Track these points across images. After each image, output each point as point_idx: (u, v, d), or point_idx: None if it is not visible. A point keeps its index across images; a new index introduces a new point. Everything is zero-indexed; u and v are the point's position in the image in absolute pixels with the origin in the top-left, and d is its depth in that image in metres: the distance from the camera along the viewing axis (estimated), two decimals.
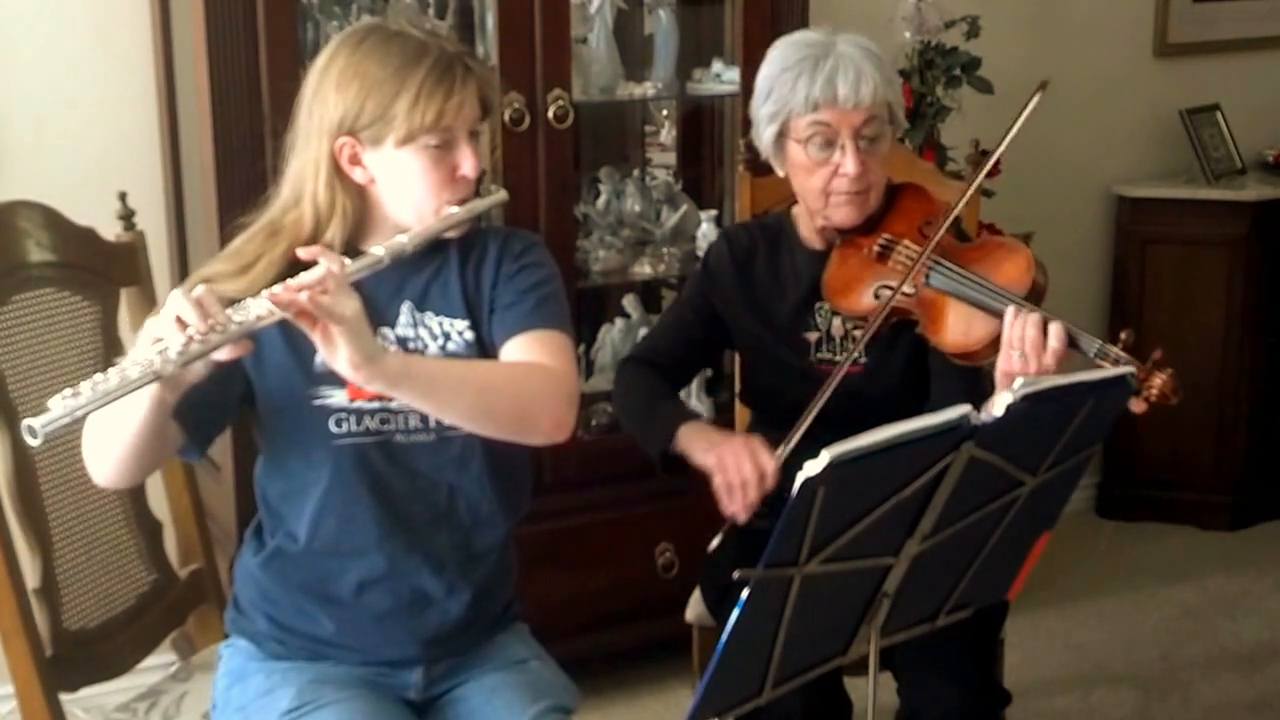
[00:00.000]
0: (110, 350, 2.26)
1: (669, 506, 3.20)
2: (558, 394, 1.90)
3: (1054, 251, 3.94)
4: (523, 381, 1.91)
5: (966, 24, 3.68)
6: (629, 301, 3.46)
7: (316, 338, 1.73)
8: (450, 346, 1.97)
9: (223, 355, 1.72)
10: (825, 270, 2.35)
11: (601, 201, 3.45)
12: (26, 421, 1.61)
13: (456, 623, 2.02)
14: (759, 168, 2.52)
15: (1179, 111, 4.25)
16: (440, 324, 1.98)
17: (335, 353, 1.72)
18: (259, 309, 1.73)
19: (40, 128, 3.05)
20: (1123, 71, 4.24)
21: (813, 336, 2.37)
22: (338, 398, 1.94)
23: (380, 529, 1.97)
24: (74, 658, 2.16)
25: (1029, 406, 1.64)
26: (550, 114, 3.03)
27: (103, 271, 2.31)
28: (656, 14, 3.34)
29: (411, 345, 1.97)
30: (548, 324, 1.96)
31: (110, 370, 1.66)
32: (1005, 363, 2.11)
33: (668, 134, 3.62)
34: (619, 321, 3.46)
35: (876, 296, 2.28)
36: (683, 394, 3.37)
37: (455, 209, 1.93)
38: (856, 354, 2.28)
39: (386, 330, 1.96)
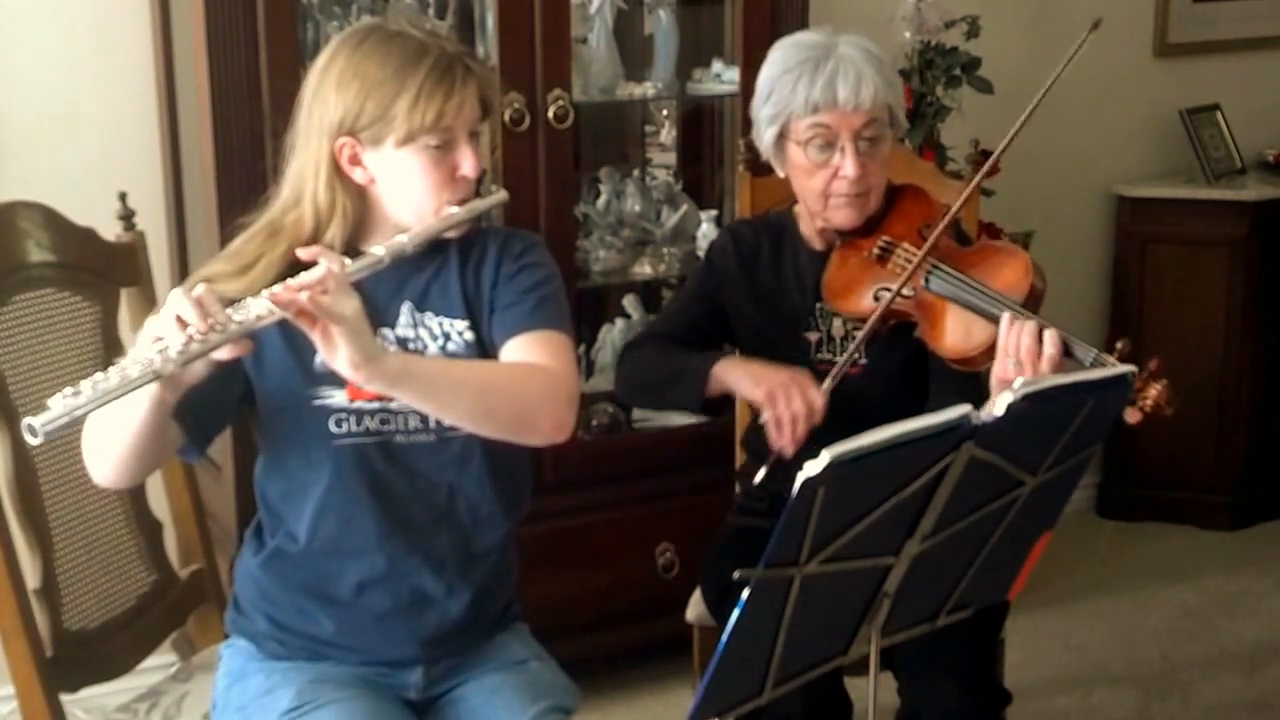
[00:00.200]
0: (110, 350, 2.26)
1: (669, 506, 3.20)
2: (557, 395, 1.90)
3: (1054, 251, 3.96)
4: (522, 382, 1.91)
5: (966, 24, 3.68)
6: (629, 302, 3.46)
7: (316, 338, 1.73)
8: (450, 347, 1.97)
9: (223, 355, 1.72)
10: (825, 272, 2.35)
11: (602, 201, 3.45)
12: (27, 420, 1.61)
13: (456, 623, 2.02)
14: (759, 168, 2.52)
15: (1179, 111, 4.25)
16: (440, 324, 1.98)
17: (335, 353, 1.72)
18: (259, 309, 1.73)
19: (40, 128, 3.04)
20: (1123, 71, 4.24)
21: (813, 336, 2.37)
22: (338, 398, 1.94)
23: (380, 529, 1.97)
24: (74, 658, 2.16)
25: (1029, 406, 1.64)
26: (550, 114, 3.03)
27: (103, 272, 2.31)
28: (656, 14, 3.34)
29: (411, 345, 1.96)
30: (548, 324, 1.96)
31: (110, 369, 1.66)
32: (1001, 369, 2.11)
33: (668, 134, 3.62)
34: (619, 321, 3.46)
35: (876, 299, 2.28)
36: None
37: (455, 209, 1.93)
38: (856, 355, 2.28)
39: (386, 330, 1.96)
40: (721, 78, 3.37)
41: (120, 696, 2.30)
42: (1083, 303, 4.29)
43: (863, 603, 1.77)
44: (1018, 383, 1.65)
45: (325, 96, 1.91)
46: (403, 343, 1.96)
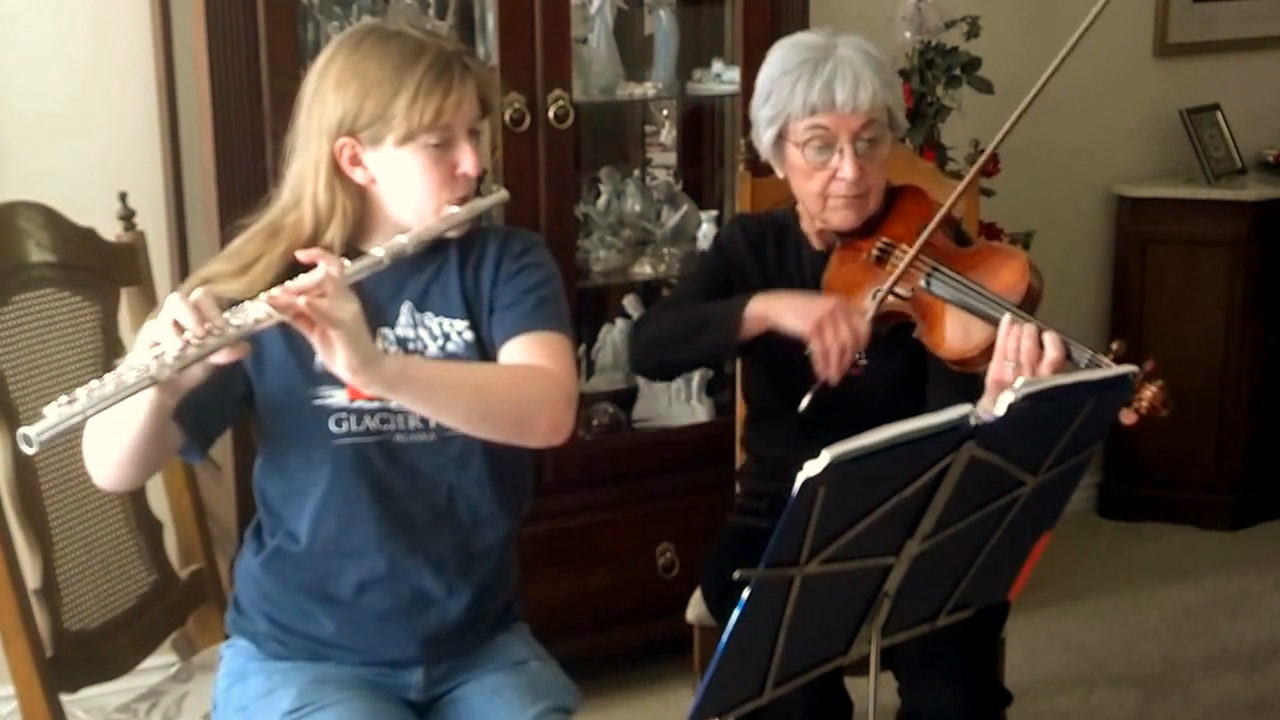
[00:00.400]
0: (110, 350, 2.26)
1: (670, 506, 3.20)
2: (555, 396, 1.90)
3: (1054, 251, 3.96)
4: (521, 384, 1.91)
5: (966, 24, 3.68)
6: (629, 302, 3.46)
7: (315, 341, 1.73)
8: (450, 347, 1.97)
9: (220, 359, 1.72)
10: (825, 273, 2.34)
11: (602, 202, 3.45)
12: (22, 431, 1.60)
13: (456, 623, 2.01)
14: (759, 168, 2.52)
15: (1179, 111, 4.24)
16: (440, 324, 1.98)
17: (333, 356, 1.72)
18: (257, 312, 1.73)
19: (40, 128, 3.04)
20: (1123, 71, 4.24)
21: None
22: (337, 397, 1.93)
23: (380, 529, 1.96)
24: (74, 658, 2.16)
25: (1030, 406, 1.64)
26: (551, 114, 3.02)
27: (103, 272, 2.31)
28: (656, 14, 3.34)
29: (411, 346, 1.96)
30: (547, 325, 1.96)
31: (107, 376, 1.65)
32: (997, 371, 2.10)
33: (668, 134, 3.62)
34: (619, 322, 3.46)
35: (874, 300, 2.28)
36: (683, 393, 3.39)
37: (456, 208, 1.93)
38: (857, 355, 2.27)
39: (386, 331, 1.96)
40: (722, 78, 3.37)
41: (120, 697, 2.29)
42: (1083, 303, 4.29)
43: (863, 603, 1.77)
44: (1018, 383, 1.65)
45: (324, 97, 1.91)
46: (402, 343, 1.96)
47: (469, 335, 1.97)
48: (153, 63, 3.11)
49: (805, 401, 2.24)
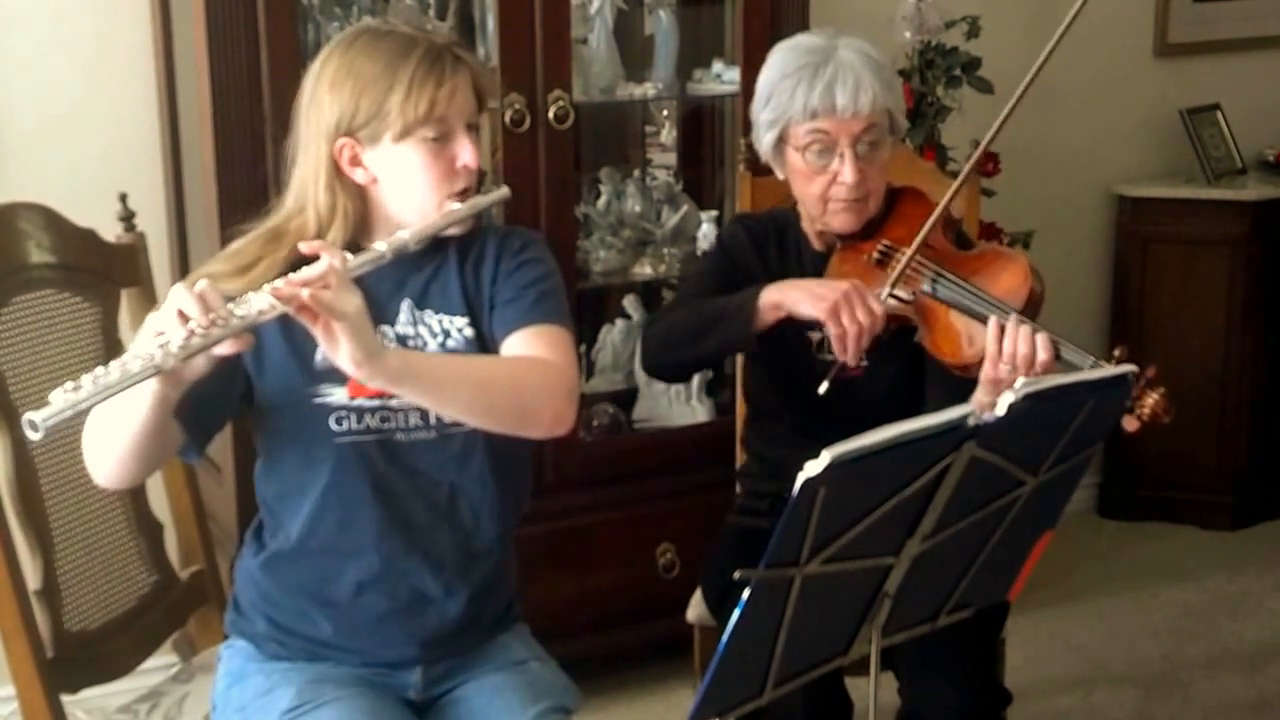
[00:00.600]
0: (111, 351, 2.25)
1: (670, 506, 3.20)
2: (557, 388, 1.90)
3: (1054, 251, 3.96)
4: (523, 376, 1.91)
5: (966, 24, 3.68)
6: (629, 302, 3.46)
7: (318, 333, 1.73)
8: (450, 344, 1.97)
9: (224, 349, 1.71)
10: (825, 275, 2.34)
11: (602, 202, 3.45)
12: (28, 415, 1.60)
13: (455, 623, 2.01)
14: (759, 168, 2.52)
15: (1179, 111, 4.24)
16: (440, 322, 1.98)
17: (337, 348, 1.72)
18: (261, 303, 1.72)
19: (40, 128, 3.04)
20: (1123, 71, 4.24)
21: (816, 336, 2.36)
22: (338, 395, 1.93)
23: (379, 528, 1.96)
24: (75, 659, 2.16)
25: (1030, 406, 1.64)
26: (551, 115, 3.03)
27: (103, 272, 2.31)
28: (656, 14, 3.34)
29: (411, 343, 1.96)
30: (547, 319, 1.96)
31: (112, 364, 1.65)
32: (991, 370, 2.11)
33: (668, 134, 3.62)
34: (619, 322, 3.46)
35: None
36: (683, 393, 3.39)
37: (457, 205, 1.93)
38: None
39: (386, 328, 1.96)
40: (722, 78, 3.37)
41: (121, 697, 2.30)
42: (1083, 303, 4.29)
43: (863, 603, 1.77)
44: (1019, 382, 1.65)
45: (320, 100, 1.91)
46: (402, 340, 1.96)
47: (469, 332, 1.98)
48: (153, 63, 3.11)
49: (824, 387, 2.23)
